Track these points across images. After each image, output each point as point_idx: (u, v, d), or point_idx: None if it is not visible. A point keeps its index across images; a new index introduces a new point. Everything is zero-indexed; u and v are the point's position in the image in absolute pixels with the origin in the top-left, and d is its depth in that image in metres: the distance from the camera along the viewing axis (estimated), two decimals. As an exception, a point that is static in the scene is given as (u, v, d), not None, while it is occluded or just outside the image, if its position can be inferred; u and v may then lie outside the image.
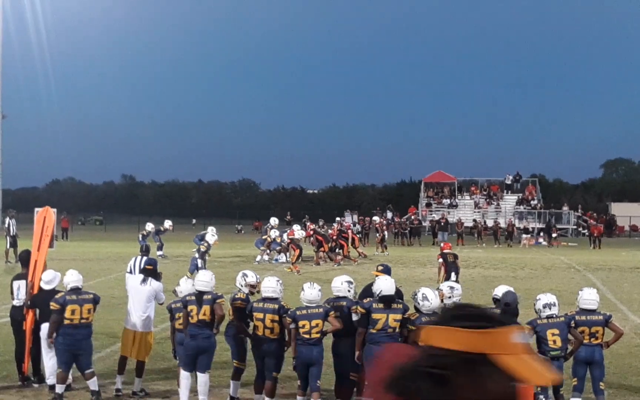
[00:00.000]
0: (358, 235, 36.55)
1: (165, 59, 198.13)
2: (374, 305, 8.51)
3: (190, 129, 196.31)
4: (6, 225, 29.34)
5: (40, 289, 10.17)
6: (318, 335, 8.76)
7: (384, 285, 8.58)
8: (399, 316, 8.45)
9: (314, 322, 8.70)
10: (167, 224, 32.48)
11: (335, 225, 33.39)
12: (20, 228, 29.41)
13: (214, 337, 9.19)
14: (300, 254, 26.90)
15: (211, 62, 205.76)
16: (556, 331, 8.53)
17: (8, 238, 28.20)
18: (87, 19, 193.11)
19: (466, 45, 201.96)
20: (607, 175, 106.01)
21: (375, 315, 8.43)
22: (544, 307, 8.74)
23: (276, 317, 8.88)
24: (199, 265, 20.75)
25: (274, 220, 30.08)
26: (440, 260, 18.53)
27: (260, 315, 8.90)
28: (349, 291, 9.09)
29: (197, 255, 21.63)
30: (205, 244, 22.32)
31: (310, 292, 8.93)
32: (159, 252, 29.77)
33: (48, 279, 10.10)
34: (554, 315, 8.69)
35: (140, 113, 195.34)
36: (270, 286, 9.10)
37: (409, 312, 8.63)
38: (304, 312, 8.78)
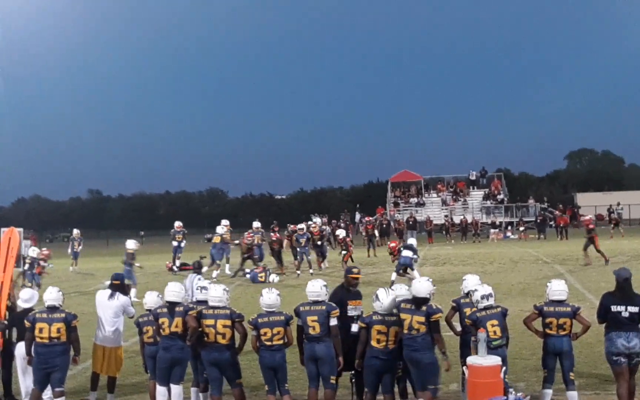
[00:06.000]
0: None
1: (125, 71, 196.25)
2: (374, 317, 8.58)
3: (155, 140, 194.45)
4: None
5: (13, 308, 10.09)
6: (280, 341, 8.74)
7: (420, 287, 8.51)
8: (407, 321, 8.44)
9: (275, 330, 8.69)
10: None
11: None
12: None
13: (187, 348, 9.09)
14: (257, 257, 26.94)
15: (174, 73, 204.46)
16: (495, 322, 8.59)
17: None
18: (40, 36, 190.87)
19: (426, 43, 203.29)
20: (572, 166, 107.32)
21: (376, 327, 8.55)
22: (482, 298, 8.81)
23: (228, 322, 8.79)
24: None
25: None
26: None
27: (212, 322, 8.79)
28: (326, 295, 9.01)
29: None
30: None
31: (269, 297, 8.87)
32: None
33: (26, 298, 9.99)
34: (492, 306, 8.78)
35: (105, 127, 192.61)
36: (217, 295, 8.99)
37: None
38: (265, 319, 8.74)
